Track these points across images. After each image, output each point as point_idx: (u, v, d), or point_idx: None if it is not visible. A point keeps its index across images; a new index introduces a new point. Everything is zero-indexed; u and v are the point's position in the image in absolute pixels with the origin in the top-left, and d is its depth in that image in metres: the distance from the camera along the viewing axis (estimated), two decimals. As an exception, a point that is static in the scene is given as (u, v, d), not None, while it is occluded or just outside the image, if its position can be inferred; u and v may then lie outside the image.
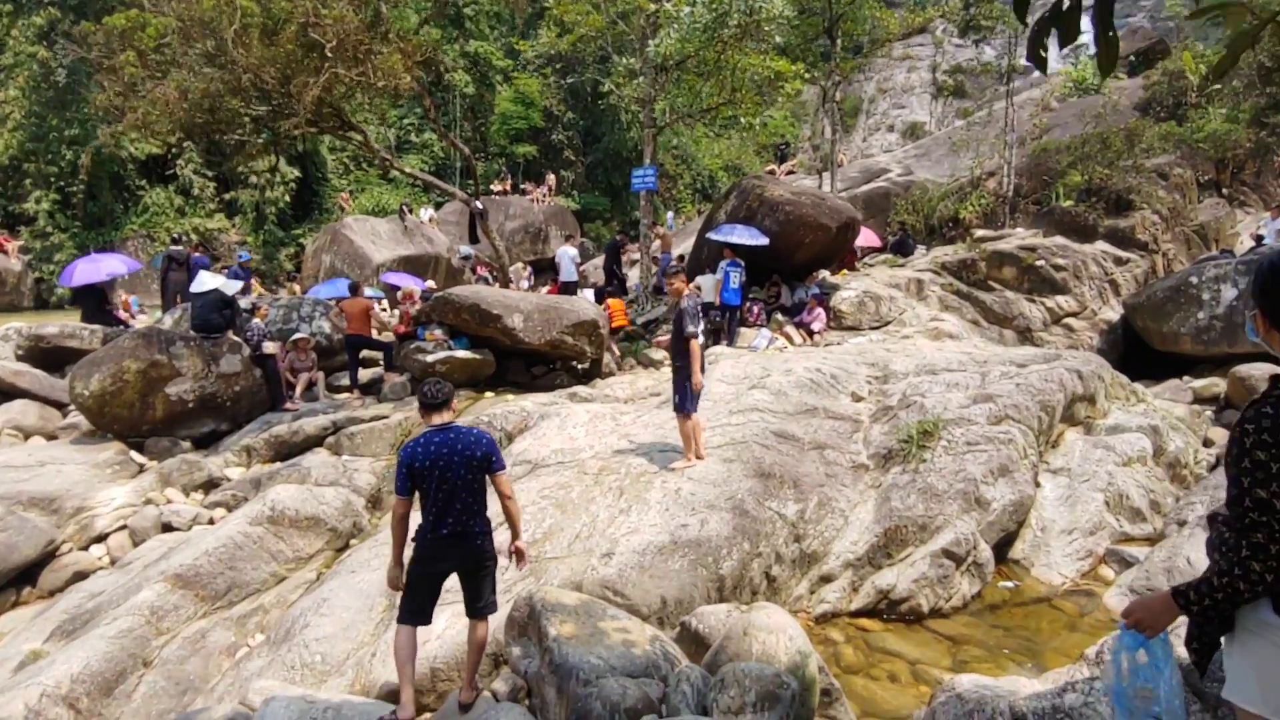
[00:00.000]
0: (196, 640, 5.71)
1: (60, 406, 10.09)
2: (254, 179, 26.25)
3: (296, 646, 5.10)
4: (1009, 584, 6.11)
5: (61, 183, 24.35)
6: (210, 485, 8.28)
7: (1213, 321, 10.99)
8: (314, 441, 9.02)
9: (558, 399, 9.50)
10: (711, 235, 13.08)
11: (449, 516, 3.81)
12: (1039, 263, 13.81)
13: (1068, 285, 13.83)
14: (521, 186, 30.39)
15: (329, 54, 9.27)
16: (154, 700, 5.26)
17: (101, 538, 7.64)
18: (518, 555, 4.11)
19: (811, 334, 12.24)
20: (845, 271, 14.84)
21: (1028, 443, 6.98)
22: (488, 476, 3.97)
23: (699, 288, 12.57)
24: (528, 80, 32.70)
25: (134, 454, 8.77)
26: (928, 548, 5.90)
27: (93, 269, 12.35)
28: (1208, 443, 8.42)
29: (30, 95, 24.16)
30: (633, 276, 17.37)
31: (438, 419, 4.00)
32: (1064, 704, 3.11)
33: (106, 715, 5.04)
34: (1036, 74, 30.45)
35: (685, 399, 6.19)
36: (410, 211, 24.52)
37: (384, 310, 13.78)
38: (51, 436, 9.64)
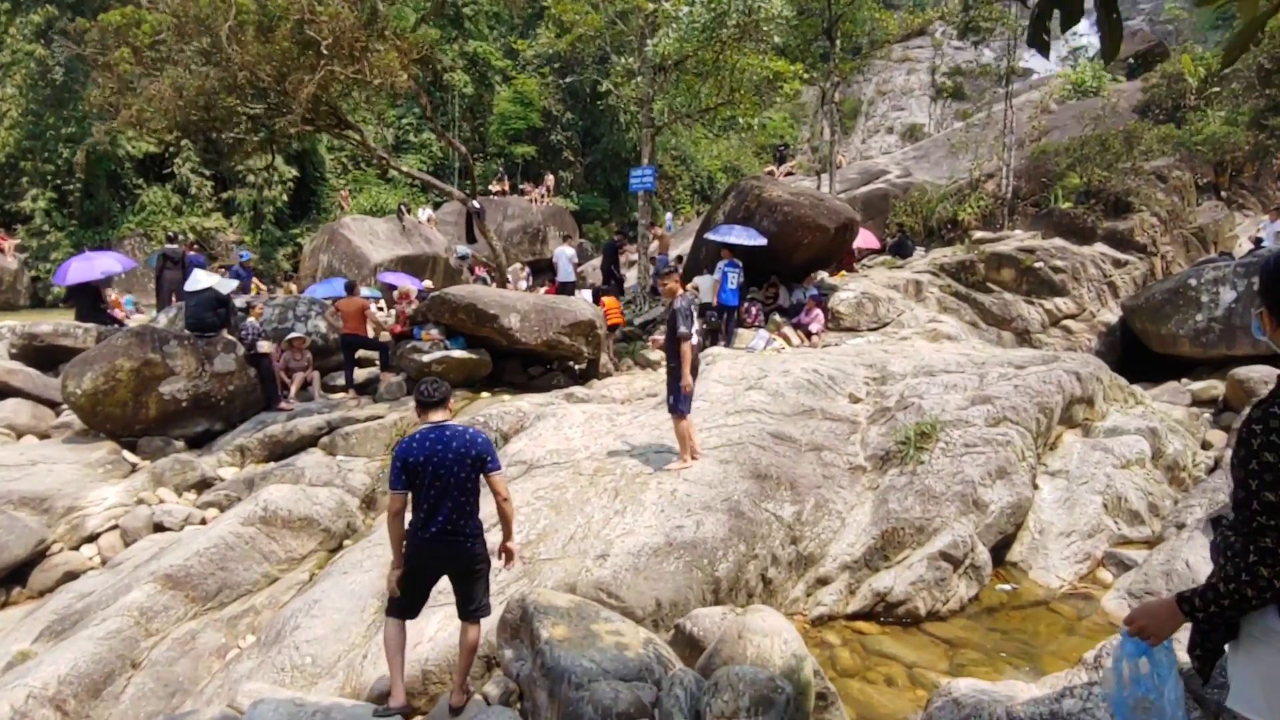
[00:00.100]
0: (186, 641, 5.66)
1: (53, 405, 10.02)
2: (251, 178, 26.16)
3: (287, 648, 5.05)
4: (1007, 587, 6.07)
5: (58, 181, 24.25)
6: (203, 485, 8.22)
7: (1211, 324, 10.96)
8: (308, 441, 8.96)
9: (554, 399, 9.46)
10: (709, 235, 13.04)
11: (439, 515, 3.78)
12: (1038, 265, 13.78)
13: (1066, 287, 13.80)
14: (520, 187, 30.35)
15: (325, 51, 9.22)
16: (142, 702, 5.20)
17: (93, 537, 7.59)
18: (507, 555, 4.07)
19: (809, 335, 12.20)
20: (843, 273, 14.80)
21: (1026, 445, 6.93)
22: (483, 477, 3.93)
23: (696, 288, 12.55)
24: (526, 80, 32.66)
25: (126, 453, 8.71)
26: (925, 550, 5.85)
27: (87, 267, 12.28)
28: (1206, 445, 8.38)
29: (27, 93, 24.07)
30: (631, 277, 17.34)
31: (434, 417, 3.99)
32: (1062, 709, 3.07)
33: (94, 717, 4.98)
34: (1035, 76, 30.47)
35: (679, 399, 6.15)
36: (408, 211, 24.49)
37: (380, 310, 13.73)
38: (44, 435, 9.57)
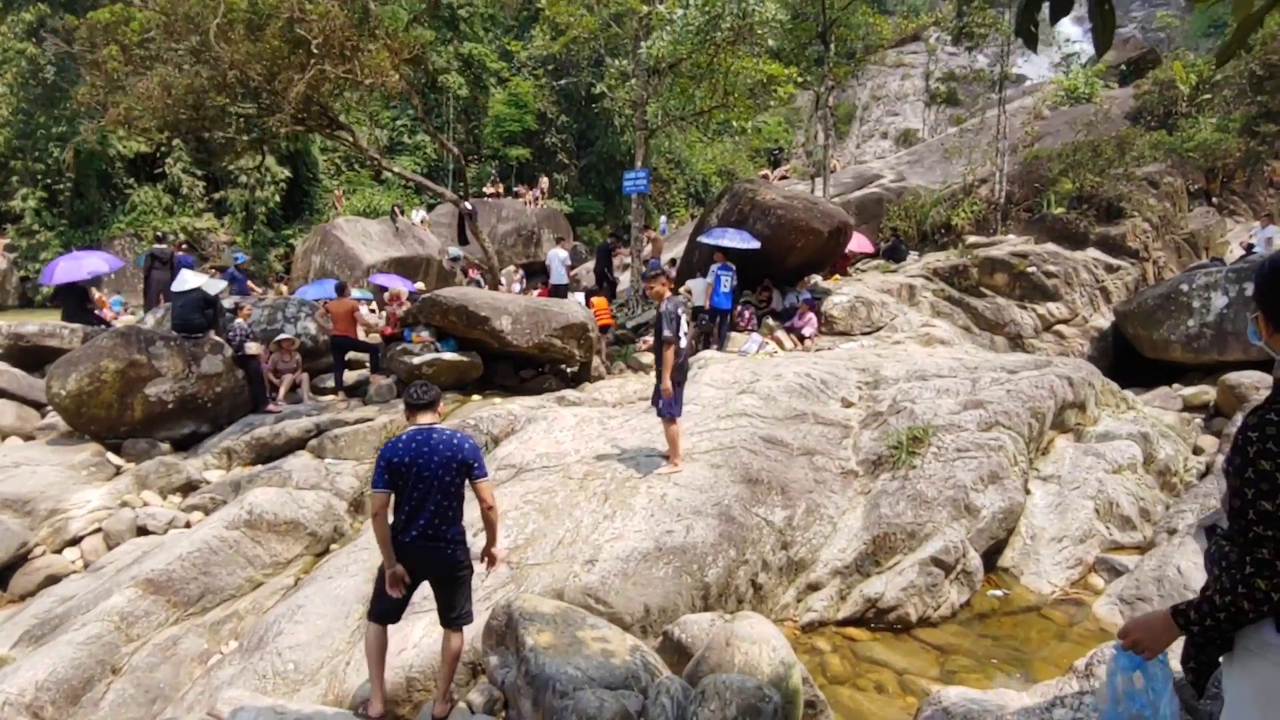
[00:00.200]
0: (168, 647, 5.56)
1: (39, 406, 9.92)
2: (244, 178, 26.03)
3: (269, 655, 4.97)
4: (998, 593, 6.03)
5: (48, 180, 24.09)
6: (188, 488, 8.13)
7: (1203, 329, 10.98)
8: (296, 444, 8.88)
9: (545, 402, 9.39)
10: (703, 239, 13.00)
11: (420, 519, 3.72)
12: (1030, 269, 13.80)
13: (1059, 292, 13.82)
14: (514, 189, 30.30)
15: (315, 50, 9.15)
16: (122, 709, 5.11)
17: (76, 541, 7.49)
18: (490, 560, 4.02)
19: (802, 339, 12.17)
20: (837, 277, 14.79)
21: (1018, 449, 6.91)
22: (469, 483, 3.88)
23: (689, 291, 12.50)
24: (521, 83, 32.63)
25: (111, 455, 8.61)
26: (916, 555, 5.81)
27: (74, 267, 12.17)
28: (1197, 450, 8.37)
29: (18, 92, 23.91)
30: (624, 280, 17.29)
31: (422, 420, 3.96)
32: (1052, 719, 3.02)
33: (72, 724, 4.89)
34: (1029, 82, 30.62)
35: (667, 403, 6.10)
36: (402, 213, 24.41)
37: (372, 312, 13.65)
38: (29, 437, 9.46)
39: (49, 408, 9.48)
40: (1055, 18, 1.77)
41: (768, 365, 8.91)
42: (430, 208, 27.41)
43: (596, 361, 11.44)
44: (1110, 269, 14.36)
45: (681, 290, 12.89)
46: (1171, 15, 34.49)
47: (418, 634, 4.70)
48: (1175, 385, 10.71)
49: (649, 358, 11.52)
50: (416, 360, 10.02)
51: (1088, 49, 29.13)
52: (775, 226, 12.65)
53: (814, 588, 5.76)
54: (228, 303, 10.64)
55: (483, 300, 10.37)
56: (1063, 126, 18.97)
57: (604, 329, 12.55)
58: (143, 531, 7.35)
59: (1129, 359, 12.26)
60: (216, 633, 5.79)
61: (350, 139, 11.95)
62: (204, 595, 5.94)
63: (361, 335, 10.86)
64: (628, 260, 16.79)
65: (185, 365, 9.08)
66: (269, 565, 6.44)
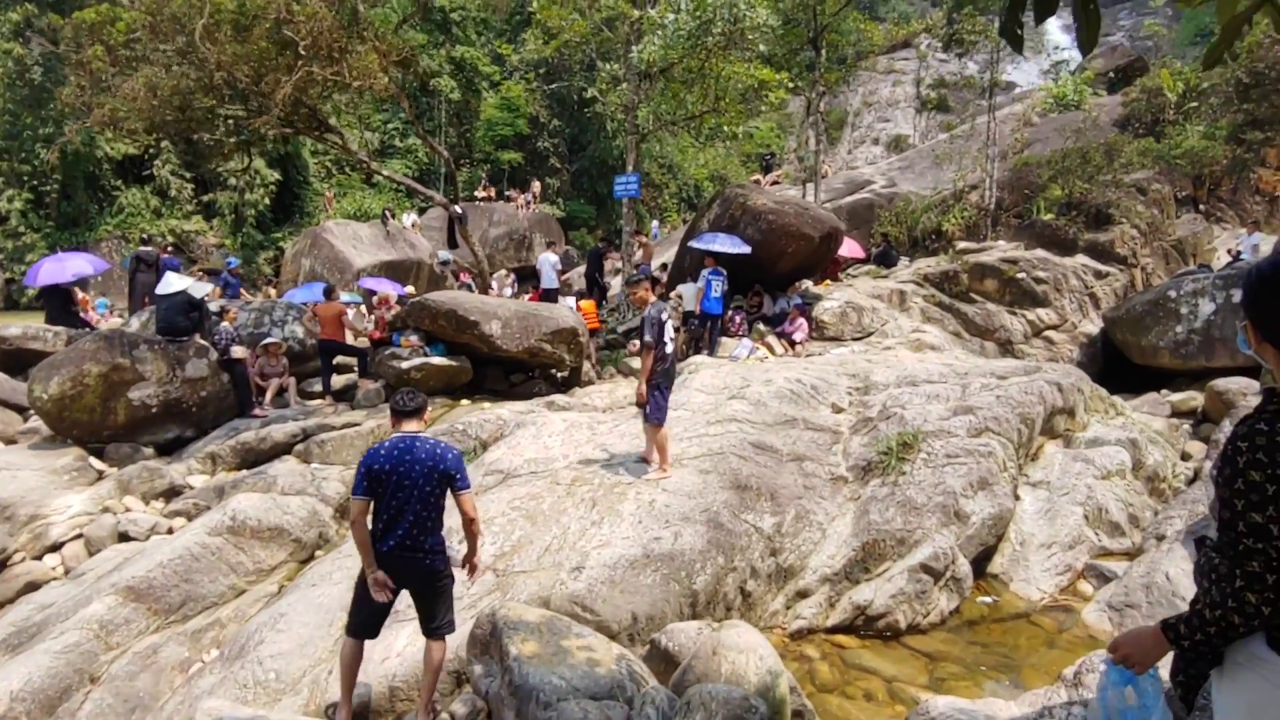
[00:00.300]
0: (148, 655, 5.47)
1: (21, 410, 9.77)
2: (233, 181, 25.90)
3: (250, 663, 4.89)
4: (987, 599, 6.01)
5: (35, 182, 23.90)
6: (171, 493, 8.01)
7: (1190, 335, 11.03)
8: (282, 449, 8.77)
9: (535, 407, 9.33)
10: (694, 243, 12.99)
11: (398, 529, 3.66)
12: (1020, 275, 13.85)
13: (1048, 298, 13.88)
14: (506, 193, 30.24)
15: (303, 52, 9.08)
16: (100, 718, 5.01)
17: (56, 547, 7.35)
18: (471, 569, 3.97)
19: (793, 344, 12.16)
20: (828, 282, 14.80)
21: (1007, 455, 6.90)
22: (451, 495, 3.83)
23: (680, 296, 12.48)
24: (513, 86, 32.61)
25: (93, 460, 8.49)
26: (906, 562, 5.78)
27: (58, 269, 12.02)
28: (1185, 456, 8.39)
29: (4, 92, 23.72)
30: (615, 285, 17.25)
31: (407, 427, 3.93)
32: (1042, 729, 3.00)
33: (47, 735, 4.79)
34: (1018, 89, 30.83)
35: (651, 408, 6.08)
36: (393, 216, 24.30)
37: (361, 316, 13.55)
38: (11, 441, 9.32)
39: (31, 412, 9.34)
40: (1040, 18, 1.75)
41: (758, 370, 8.89)
42: (422, 211, 27.32)
43: (586, 366, 11.39)
44: (1099, 275, 14.43)
45: (672, 295, 12.88)
46: (1159, 24, 34.85)
47: (401, 643, 4.63)
48: (1163, 391, 10.75)
49: (639, 362, 11.48)
50: (405, 364, 9.94)
51: (1076, 56, 29.36)
52: (766, 232, 12.66)
53: (803, 595, 5.73)
54: (213, 306, 10.53)
55: (472, 304, 10.31)
56: (1052, 133, 19.10)
57: (592, 333, 12.51)
58: (124, 538, 7.23)
59: (1118, 365, 12.31)
60: (198, 641, 5.70)
61: (340, 142, 11.87)
62: (185, 603, 5.85)
63: (350, 339, 10.77)
64: (619, 265, 16.75)
65: (169, 369, 8.97)
66: (252, 572, 6.35)
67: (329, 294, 11.00)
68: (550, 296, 14.58)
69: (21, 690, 4.83)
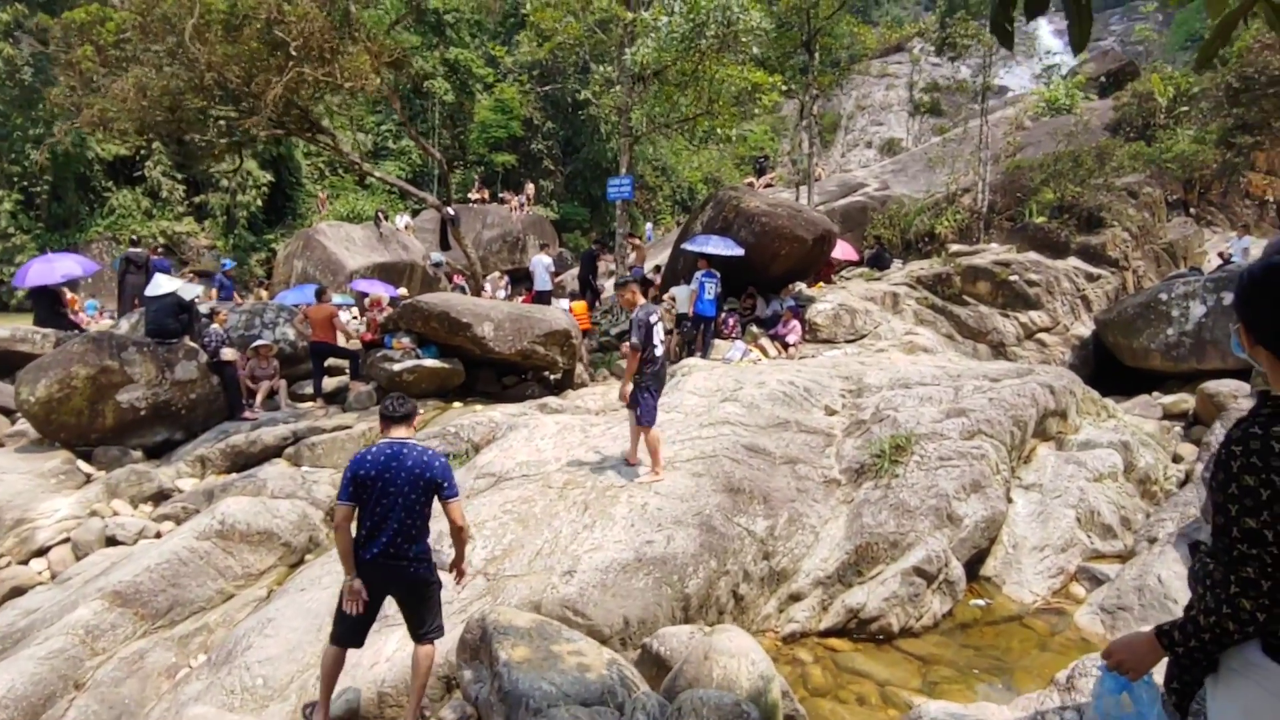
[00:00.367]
0: (134, 661, 5.40)
1: (8, 413, 9.67)
2: (225, 182, 25.78)
3: (237, 669, 4.83)
4: (980, 602, 6.00)
5: (25, 183, 23.72)
6: (160, 497, 7.94)
7: (1182, 338, 11.07)
8: (273, 452, 8.72)
9: (527, 410, 9.29)
10: (687, 245, 12.97)
11: (382, 536, 3.62)
12: (1012, 278, 13.89)
13: (1040, 300, 13.92)
14: (500, 195, 30.21)
15: (294, 52, 9.02)
16: (85, 726, 4.94)
17: (43, 551, 7.27)
18: (458, 574, 3.94)
19: (786, 346, 12.16)
20: (821, 284, 14.81)
21: (1000, 458, 6.90)
22: (438, 503, 3.79)
23: (673, 298, 12.46)
24: (507, 89, 32.59)
25: (81, 463, 8.41)
26: (899, 565, 5.77)
27: (47, 270, 11.91)
28: (1177, 458, 8.42)
29: (-7, 93, 23.55)
30: (608, 287, 17.22)
31: (396, 433, 3.90)
32: (1034, 734, 2.98)
33: (31, 743, 4.73)
34: (1011, 93, 30.98)
35: (642, 411, 6.06)
36: (386, 218, 24.24)
37: (354, 318, 13.49)
38: (-3, 444, 9.23)
39: (18, 414, 9.25)
40: (1031, 15, 1.74)
41: (751, 373, 8.87)
42: (415, 213, 27.27)
43: (579, 368, 11.35)
44: (1091, 278, 14.49)
45: (665, 297, 12.86)
46: (1150, 29, 35.09)
47: (390, 648, 4.59)
48: (1155, 393, 10.78)
49: (631, 365, 11.45)
50: (397, 367, 9.90)
51: (1068, 61, 29.52)
52: (760, 234, 12.66)
53: (796, 598, 5.70)
54: (204, 308, 10.46)
55: (465, 306, 10.27)
56: (1044, 137, 19.18)
57: (584, 335, 12.49)
58: (112, 542, 7.16)
59: (1109, 367, 12.34)
60: (185, 646, 5.64)
61: (332, 143, 11.82)
62: (173, 608, 5.78)
63: (341, 341, 10.71)
64: (613, 267, 16.74)
65: (159, 371, 8.90)
66: (241, 577, 6.29)
67: (320, 296, 10.94)
68: (544, 299, 14.55)
69: (5, 697, 4.76)
